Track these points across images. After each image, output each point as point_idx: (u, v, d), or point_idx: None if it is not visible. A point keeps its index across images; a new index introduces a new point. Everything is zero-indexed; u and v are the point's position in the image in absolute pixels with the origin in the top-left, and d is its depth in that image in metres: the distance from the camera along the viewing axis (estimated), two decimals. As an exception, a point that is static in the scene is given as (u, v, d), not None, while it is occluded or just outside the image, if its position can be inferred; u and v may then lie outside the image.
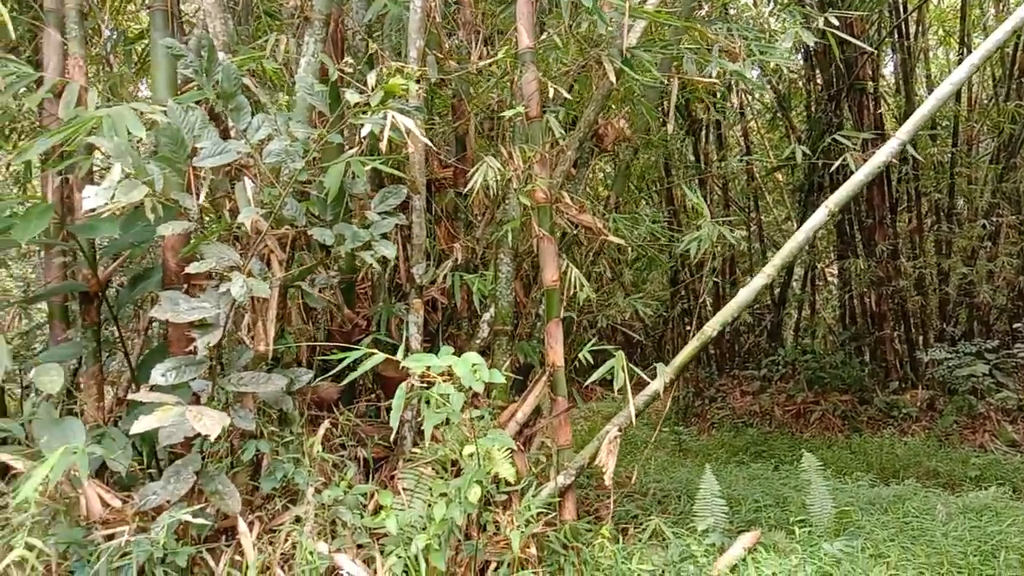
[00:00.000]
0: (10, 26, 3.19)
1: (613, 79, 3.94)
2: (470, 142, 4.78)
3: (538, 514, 3.68)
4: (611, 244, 4.64)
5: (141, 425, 2.76)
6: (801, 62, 10.52)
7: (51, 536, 3.13)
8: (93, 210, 2.90)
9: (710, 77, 4.42)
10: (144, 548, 3.02)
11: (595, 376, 3.60)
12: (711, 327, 3.93)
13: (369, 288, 4.69)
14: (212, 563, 3.24)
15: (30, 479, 2.73)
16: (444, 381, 2.79)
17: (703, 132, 10.83)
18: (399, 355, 2.76)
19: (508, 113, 3.78)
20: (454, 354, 2.89)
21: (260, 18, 4.96)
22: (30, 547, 2.90)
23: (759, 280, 4.01)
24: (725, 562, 3.87)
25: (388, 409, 4.28)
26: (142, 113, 3.16)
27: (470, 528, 3.66)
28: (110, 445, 3.32)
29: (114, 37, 6.03)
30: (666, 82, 4.55)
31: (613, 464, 3.76)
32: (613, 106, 5.12)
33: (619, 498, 4.85)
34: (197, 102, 3.45)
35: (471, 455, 3.34)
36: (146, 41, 5.84)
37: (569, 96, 3.95)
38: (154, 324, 4.72)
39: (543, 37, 4.10)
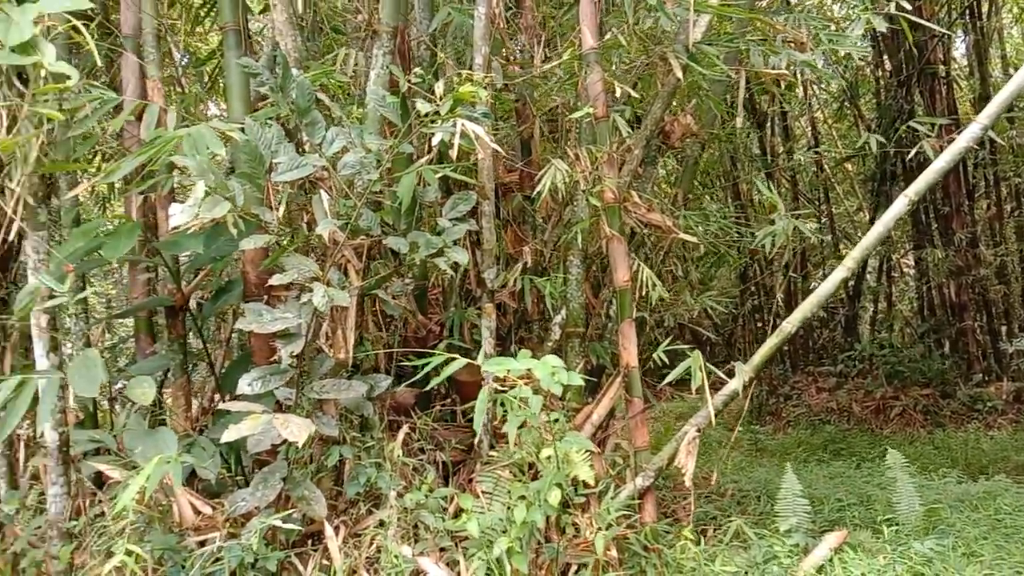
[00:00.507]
0: (95, 52, 3.31)
1: (679, 75, 3.91)
2: (535, 145, 4.79)
3: (618, 516, 3.66)
4: (678, 242, 4.59)
5: (232, 434, 2.85)
6: (869, 49, 10.23)
7: (147, 542, 3.26)
8: (177, 227, 3.01)
9: (778, 68, 4.34)
10: (236, 553, 3.11)
11: (672, 376, 3.57)
12: (790, 323, 3.85)
13: (440, 294, 4.74)
14: (300, 567, 3.32)
15: (128, 488, 2.84)
16: (525, 384, 2.80)
17: (769, 124, 10.63)
18: (479, 359, 2.78)
19: (577, 114, 3.78)
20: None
21: (326, 34, 5.07)
22: (129, 553, 3.02)
23: (839, 273, 3.92)
24: (811, 563, 3.79)
25: (464, 413, 4.33)
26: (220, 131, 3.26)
27: (549, 531, 3.66)
28: (200, 454, 3.43)
29: (184, 59, 6.24)
30: (733, 76, 4.48)
31: (692, 465, 3.71)
32: (677, 102, 5.06)
33: (697, 499, 4.80)
34: (270, 118, 3.55)
35: (549, 458, 3.34)
36: (214, 61, 6.04)
37: (636, 95, 3.93)
38: (233, 335, 4.86)
39: (606, 37, 4.09)
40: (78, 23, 3.45)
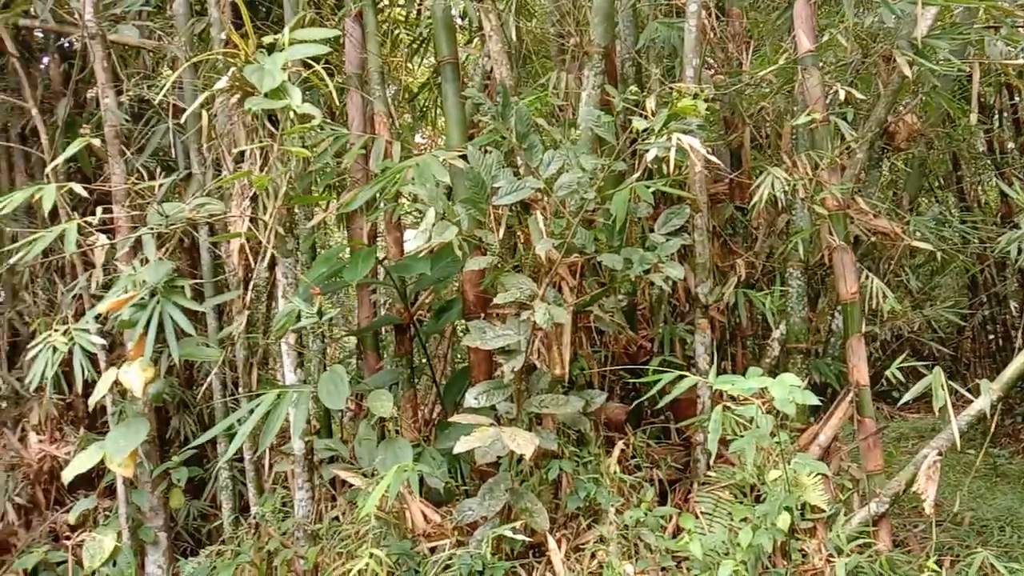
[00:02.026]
0: (333, 93, 3.60)
1: (907, 72, 3.65)
2: (745, 154, 4.65)
3: (851, 544, 3.45)
4: (904, 249, 4.27)
5: (463, 445, 2.98)
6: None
7: (384, 547, 3.47)
8: (408, 251, 3.21)
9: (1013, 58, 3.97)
10: (466, 561, 3.24)
11: (910, 394, 3.31)
12: (1047, 337, 3.47)
13: (647, 309, 4.71)
14: (525, 578, 3.40)
15: (372, 495, 3.04)
16: (753, 403, 2.71)
17: (995, 118, 9.66)
18: (710, 377, 2.73)
19: (799, 120, 3.63)
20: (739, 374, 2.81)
21: (531, 60, 5.21)
22: (371, 556, 3.23)
23: (1105, 281, 3.49)
24: (1077, 604, 3.38)
25: (678, 431, 4.26)
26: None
27: (774, 556, 3.51)
28: (429, 463, 3.61)
29: (395, 92, 6.64)
30: (966, 69, 4.12)
31: (934, 491, 3.43)
32: (899, 101, 4.74)
33: (930, 527, 4.44)
34: (488, 143, 3.70)
35: (776, 480, 3.21)
36: (422, 94, 6.39)
37: (862, 97, 3.71)
38: (450, 351, 5.10)
39: (824, 38, 3.91)
40: (316, 66, 3.79)
